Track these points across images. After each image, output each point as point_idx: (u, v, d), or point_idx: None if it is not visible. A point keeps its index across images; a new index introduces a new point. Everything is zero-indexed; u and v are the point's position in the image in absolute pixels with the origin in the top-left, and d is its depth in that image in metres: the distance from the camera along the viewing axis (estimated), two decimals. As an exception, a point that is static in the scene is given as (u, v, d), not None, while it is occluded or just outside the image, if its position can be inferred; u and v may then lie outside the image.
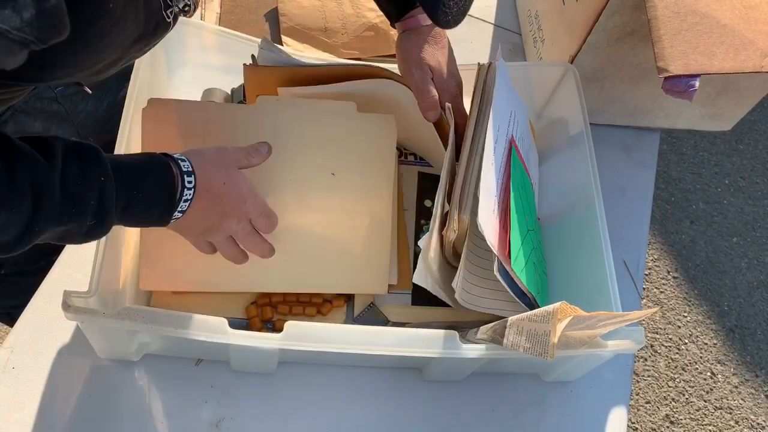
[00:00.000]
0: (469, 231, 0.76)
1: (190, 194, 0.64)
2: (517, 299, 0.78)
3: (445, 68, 0.83)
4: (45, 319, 0.84)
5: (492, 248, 0.73)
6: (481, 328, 0.76)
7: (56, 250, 0.89)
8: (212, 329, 0.69)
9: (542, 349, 0.68)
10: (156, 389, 0.82)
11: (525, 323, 0.70)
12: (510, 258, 0.74)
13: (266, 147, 0.74)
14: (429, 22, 0.81)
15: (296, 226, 0.83)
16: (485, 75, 0.83)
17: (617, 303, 0.78)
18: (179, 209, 0.64)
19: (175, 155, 0.65)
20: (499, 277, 0.74)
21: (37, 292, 0.86)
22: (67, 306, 0.67)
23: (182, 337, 0.69)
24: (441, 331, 0.73)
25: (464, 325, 0.82)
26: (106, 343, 0.80)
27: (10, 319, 1.17)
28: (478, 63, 0.85)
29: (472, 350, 0.73)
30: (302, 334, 0.70)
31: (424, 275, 0.74)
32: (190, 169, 0.64)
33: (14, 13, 0.42)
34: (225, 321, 0.69)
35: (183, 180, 0.63)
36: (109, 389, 0.82)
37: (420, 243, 0.73)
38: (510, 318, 0.72)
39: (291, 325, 0.70)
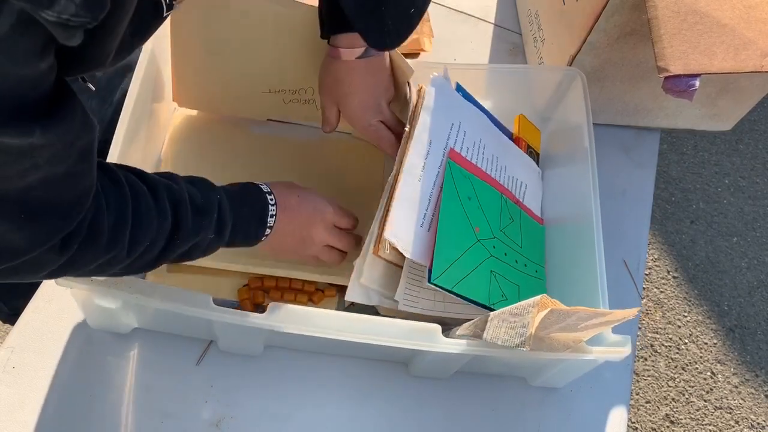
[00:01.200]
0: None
1: (273, 210, 0.74)
2: (468, 304, 0.79)
3: (382, 101, 0.85)
4: (45, 319, 0.84)
5: (418, 261, 0.75)
6: (463, 324, 0.76)
7: None
8: (196, 304, 0.70)
9: (520, 341, 0.68)
10: (156, 389, 0.82)
11: (506, 316, 0.71)
12: (432, 271, 0.75)
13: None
14: (350, 57, 0.80)
15: None
16: (422, 97, 0.83)
17: (605, 304, 0.78)
18: (269, 225, 0.74)
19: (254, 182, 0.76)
20: (435, 288, 0.75)
21: (37, 292, 0.86)
22: None
23: (167, 310, 0.70)
24: (423, 324, 0.73)
25: (452, 322, 0.82)
26: (97, 313, 0.80)
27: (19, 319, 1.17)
28: (419, 86, 0.85)
29: (452, 345, 0.73)
30: (285, 316, 0.71)
31: (357, 292, 0.76)
32: (269, 189, 0.75)
33: (69, 1, 0.44)
34: (210, 297, 0.70)
35: (266, 197, 0.74)
36: (110, 389, 0.82)
37: (355, 262, 0.76)
38: (492, 312, 0.73)
39: (274, 306, 0.71)
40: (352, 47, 0.79)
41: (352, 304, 0.87)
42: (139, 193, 0.62)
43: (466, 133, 0.88)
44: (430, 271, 0.75)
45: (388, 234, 0.73)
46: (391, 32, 0.66)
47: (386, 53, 0.82)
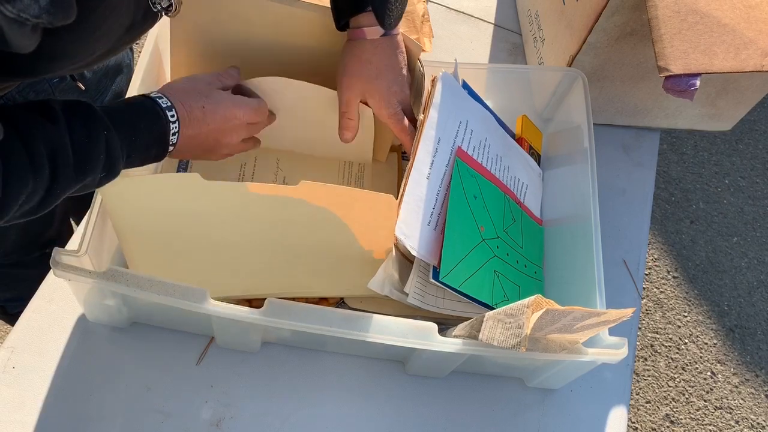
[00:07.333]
0: None
1: (175, 127, 0.68)
2: (472, 302, 0.79)
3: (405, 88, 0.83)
4: (45, 319, 0.84)
5: (424, 259, 0.75)
6: (459, 325, 0.76)
7: (51, 243, 0.88)
8: (193, 298, 0.69)
9: (515, 342, 0.68)
10: (156, 388, 0.82)
11: (501, 317, 0.71)
12: (440, 269, 0.75)
13: (236, 70, 0.78)
14: (375, 35, 0.79)
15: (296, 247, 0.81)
16: (433, 90, 0.83)
17: (603, 305, 0.78)
18: (171, 143, 0.69)
19: (151, 95, 0.69)
20: (437, 284, 0.75)
21: (37, 292, 0.86)
22: (56, 263, 0.68)
23: (163, 304, 0.69)
24: (419, 322, 0.73)
25: (454, 321, 0.82)
26: (93, 306, 0.81)
27: (4, 313, 1.17)
28: (432, 76, 0.84)
29: (448, 344, 0.73)
30: (282, 311, 0.71)
31: (381, 283, 0.76)
32: (169, 104, 0.68)
33: (33, 1, 0.43)
34: (206, 291, 0.70)
35: (166, 115, 0.68)
36: (110, 389, 0.82)
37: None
38: (487, 313, 0.73)
39: (271, 302, 0.71)
40: (376, 24, 0.77)
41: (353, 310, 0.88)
42: (11, 151, 0.54)
43: (473, 132, 0.88)
44: (435, 269, 0.75)
45: (397, 231, 0.73)
46: (394, 13, 0.71)
47: (401, 34, 0.82)
